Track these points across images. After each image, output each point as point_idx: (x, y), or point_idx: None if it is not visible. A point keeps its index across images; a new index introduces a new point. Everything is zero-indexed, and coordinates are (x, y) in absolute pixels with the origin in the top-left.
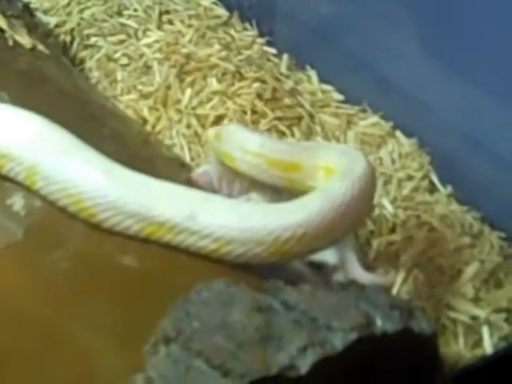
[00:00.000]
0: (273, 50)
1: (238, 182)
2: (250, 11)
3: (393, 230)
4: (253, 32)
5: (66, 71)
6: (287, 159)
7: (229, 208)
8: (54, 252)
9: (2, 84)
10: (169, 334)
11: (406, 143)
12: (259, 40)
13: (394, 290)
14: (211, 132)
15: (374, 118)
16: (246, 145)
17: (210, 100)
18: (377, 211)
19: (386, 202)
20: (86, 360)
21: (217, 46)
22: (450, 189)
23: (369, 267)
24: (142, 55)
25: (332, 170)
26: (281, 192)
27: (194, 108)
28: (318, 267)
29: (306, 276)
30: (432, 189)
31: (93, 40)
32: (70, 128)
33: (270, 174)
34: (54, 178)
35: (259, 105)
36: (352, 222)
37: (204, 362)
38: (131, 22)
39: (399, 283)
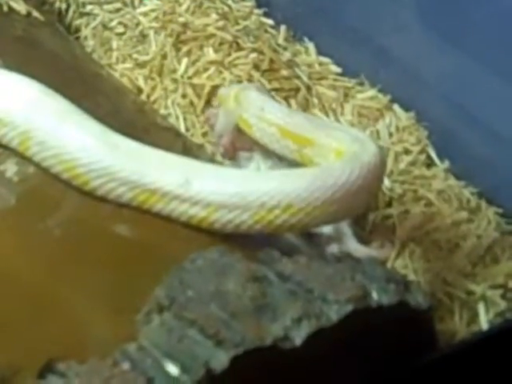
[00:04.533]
0: (270, 21)
1: (239, 144)
2: None
3: (389, 204)
4: (250, 2)
5: (61, 38)
6: (301, 133)
7: (221, 175)
8: (47, 219)
9: None
10: (162, 303)
11: (404, 117)
12: (256, 11)
13: (389, 264)
14: (232, 92)
15: (372, 91)
16: (262, 112)
17: (206, 70)
18: None
19: None
20: (77, 327)
21: (214, 16)
22: (447, 163)
23: (364, 240)
24: (138, 24)
25: (342, 153)
26: (281, 160)
27: (189, 78)
28: (310, 236)
29: (299, 248)
30: (429, 163)
31: (88, 8)
32: (64, 94)
33: (281, 144)
34: (48, 144)
35: (256, 75)
36: (346, 207)
37: (198, 331)
38: None
39: (394, 257)
